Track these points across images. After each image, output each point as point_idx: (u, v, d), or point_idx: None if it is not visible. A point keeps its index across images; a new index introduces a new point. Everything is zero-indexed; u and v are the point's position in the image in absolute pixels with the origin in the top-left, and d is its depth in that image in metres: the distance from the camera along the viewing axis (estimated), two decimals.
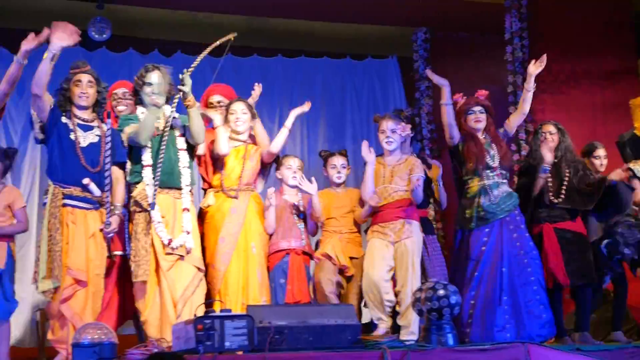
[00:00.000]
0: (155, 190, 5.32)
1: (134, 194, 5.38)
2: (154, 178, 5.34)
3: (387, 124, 5.99)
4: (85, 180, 5.24)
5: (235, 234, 5.75)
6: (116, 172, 5.44)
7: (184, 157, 5.51)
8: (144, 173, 5.37)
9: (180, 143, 5.53)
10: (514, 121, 6.12)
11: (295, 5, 8.29)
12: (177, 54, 8.79)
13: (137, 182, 5.40)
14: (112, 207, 5.33)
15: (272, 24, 8.87)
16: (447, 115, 5.91)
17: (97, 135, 5.35)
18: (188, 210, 5.43)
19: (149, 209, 5.29)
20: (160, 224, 5.28)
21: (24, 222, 5.79)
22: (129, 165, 5.50)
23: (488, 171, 5.89)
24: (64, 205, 5.21)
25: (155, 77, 5.47)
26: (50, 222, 5.18)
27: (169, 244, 5.25)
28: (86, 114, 5.40)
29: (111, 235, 5.31)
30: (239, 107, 5.95)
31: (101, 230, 5.27)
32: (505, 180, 5.94)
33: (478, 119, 5.98)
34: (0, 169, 5.68)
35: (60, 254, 5.12)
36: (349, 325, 4.71)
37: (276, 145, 6.00)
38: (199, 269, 5.39)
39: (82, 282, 5.16)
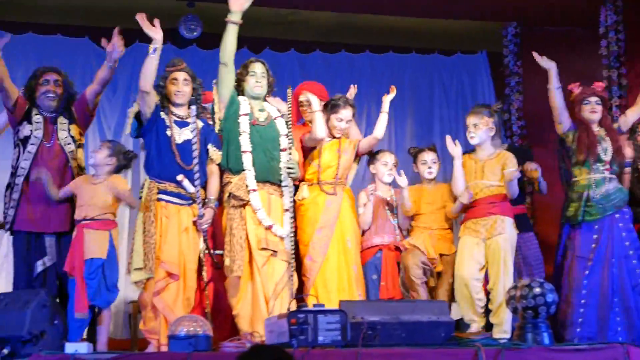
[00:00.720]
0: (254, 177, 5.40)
1: (229, 188, 5.42)
2: (253, 165, 5.41)
3: (470, 119, 5.92)
4: (180, 177, 5.32)
5: (332, 225, 5.75)
6: (210, 166, 5.52)
7: (284, 157, 5.57)
8: (244, 158, 5.43)
9: (284, 143, 5.59)
10: (632, 116, 5.98)
11: (384, 1, 8.23)
12: (265, 51, 8.83)
13: (234, 171, 5.45)
14: (207, 200, 5.41)
15: (360, 19, 8.83)
16: (556, 98, 5.81)
17: (192, 131, 5.42)
18: (289, 211, 5.50)
19: (247, 198, 5.35)
20: (262, 211, 5.35)
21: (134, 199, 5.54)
22: (215, 153, 5.53)
23: (599, 164, 5.76)
24: (159, 200, 5.31)
25: (259, 67, 5.61)
26: (145, 215, 5.29)
27: (269, 228, 5.33)
28: (182, 111, 5.49)
29: (205, 227, 5.37)
30: (346, 115, 5.96)
31: (194, 222, 5.35)
32: (614, 176, 5.80)
33: (594, 110, 5.85)
34: (114, 165, 5.55)
35: (154, 247, 5.22)
36: (442, 322, 4.66)
37: (380, 131, 6.01)
38: (288, 263, 5.43)
39: (175, 276, 5.24)
